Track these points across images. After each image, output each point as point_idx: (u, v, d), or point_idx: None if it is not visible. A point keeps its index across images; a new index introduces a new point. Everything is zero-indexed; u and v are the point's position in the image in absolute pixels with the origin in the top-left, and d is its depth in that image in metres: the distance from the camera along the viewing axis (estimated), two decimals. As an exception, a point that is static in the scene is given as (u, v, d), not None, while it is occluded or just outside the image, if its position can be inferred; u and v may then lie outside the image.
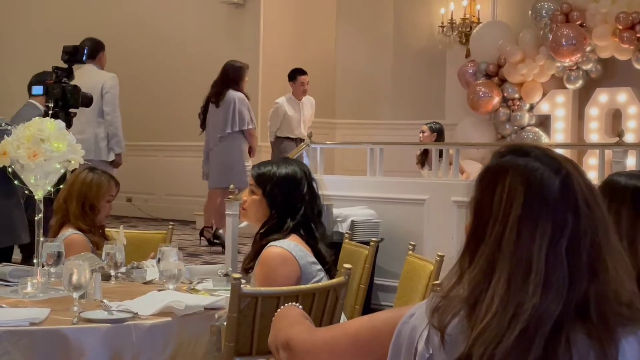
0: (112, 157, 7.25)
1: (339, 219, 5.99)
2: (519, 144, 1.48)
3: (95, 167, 4.34)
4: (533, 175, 1.40)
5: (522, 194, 1.39)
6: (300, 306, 1.80)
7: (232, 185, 6.24)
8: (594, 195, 1.42)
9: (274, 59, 10.36)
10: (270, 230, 3.14)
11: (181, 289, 3.30)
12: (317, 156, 6.94)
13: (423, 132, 8.41)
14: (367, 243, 3.99)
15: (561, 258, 1.37)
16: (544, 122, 9.32)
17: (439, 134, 8.35)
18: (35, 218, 3.38)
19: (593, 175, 6.31)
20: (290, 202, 3.13)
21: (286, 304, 1.82)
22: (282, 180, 3.14)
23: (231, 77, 8.05)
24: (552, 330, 1.34)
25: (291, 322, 1.72)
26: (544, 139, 9.01)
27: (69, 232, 3.91)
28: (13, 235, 4.78)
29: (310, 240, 3.12)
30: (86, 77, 6.68)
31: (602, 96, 8.87)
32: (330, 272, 3.16)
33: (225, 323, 2.77)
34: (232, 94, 7.97)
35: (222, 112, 7.97)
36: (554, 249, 1.37)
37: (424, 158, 8.31)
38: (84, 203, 3.95)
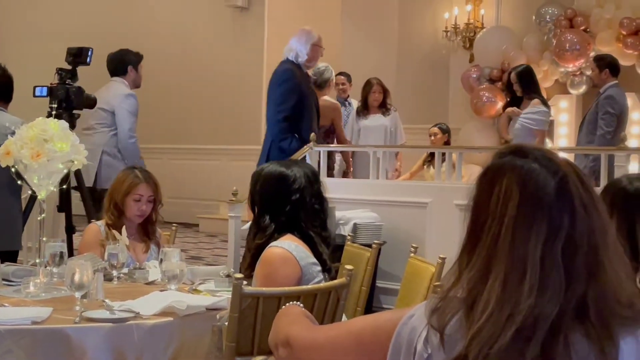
0: None
1: (341, 222, 5.99)
2: (521, 145, 1.47)
3: (139, 166, 4.32)
4: (529, 176, 1.40)
5: (517, 195, 1.39)
6: (302, 305, 1.80)
7: None
8: (592, 197, 1.42)
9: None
10: (255, 232, 3.14)
11: (183, 289, 3.31)
12: (319, 159, 6.94)
13: (435, 134, 8.42)
14: (369, 246, 3.99)
15: (557, 259, 1.36)
16: (547, 127, 9.31)
17: (449, 134, 8.41)
18: (38, 218, 3.40)
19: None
20: (269, 201, 3.12)
21: (288, 303, 1.82)
22: (264, 179, 3.15)
23: None
24: (549, 331, 1.34)
25: (292, 320, 1.72)
26: (548, 144, 8.99)
27: (93, 223, 4.10)
28: (14, 240, 4.76)
29: (309, 242, 3.11)
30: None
31: (605, 101, 8.84)
32: (331, 273, 3.16)
33: (226, 323, 2.78)
34: None
35: None
36: (549, 250, 1.37)
37: (432, 158, 8.32)
38: (111, 199, 4.04)
